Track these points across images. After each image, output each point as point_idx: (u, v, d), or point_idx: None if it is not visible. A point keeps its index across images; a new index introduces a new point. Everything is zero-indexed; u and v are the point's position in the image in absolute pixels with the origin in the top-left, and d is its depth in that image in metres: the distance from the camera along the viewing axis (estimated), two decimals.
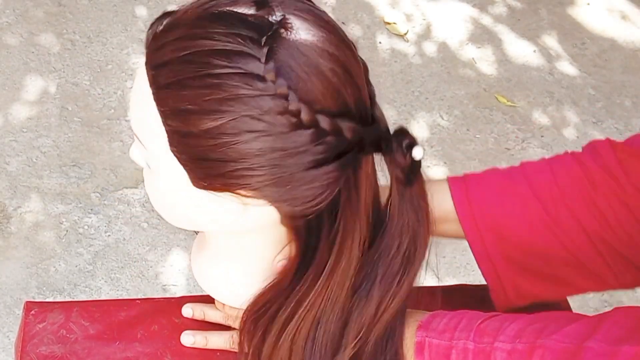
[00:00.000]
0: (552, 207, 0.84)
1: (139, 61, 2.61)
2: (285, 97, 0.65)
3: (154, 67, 0.69)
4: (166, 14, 0.72)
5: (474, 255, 0.88)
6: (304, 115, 0.65)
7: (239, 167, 0.68)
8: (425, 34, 2.85)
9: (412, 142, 0.70)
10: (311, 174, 0.68)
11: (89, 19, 2.74)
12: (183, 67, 0.67)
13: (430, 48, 2.80)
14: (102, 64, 2.59)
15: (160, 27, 0.71)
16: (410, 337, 0.79)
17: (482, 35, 2.88)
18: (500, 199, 0.85)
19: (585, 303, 2.09)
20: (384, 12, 2.90)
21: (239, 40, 0.66)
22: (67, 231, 2.12)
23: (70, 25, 2.71)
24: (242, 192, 0.70)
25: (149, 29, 0.72)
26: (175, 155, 0.71)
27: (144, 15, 2.78)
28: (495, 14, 2.98)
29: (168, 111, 0.68)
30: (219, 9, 0.68)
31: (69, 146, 2.32)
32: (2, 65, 2.54)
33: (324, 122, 0.66)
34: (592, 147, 0.87)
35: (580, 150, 0.89)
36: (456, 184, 0.88)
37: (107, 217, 2.15)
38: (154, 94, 0.69)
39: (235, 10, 0.68)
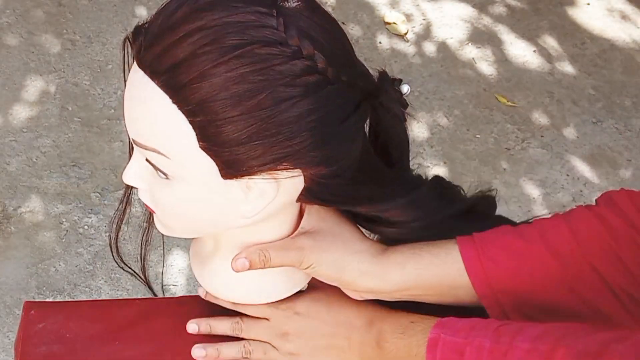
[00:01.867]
0: (572, 265, 0.79)
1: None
2: (312, 58, 0.67)
3: (163, 72, 0.67)
4: (142, 26, 0.70)
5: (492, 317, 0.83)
6: (329, 72, 0.68)
7: (281, 138, 0.68)
8: (425, 34, 2.85)
9: (399, 79, 0.75)
10: (343, 127, 0.71)
11: (89, 19, 2.74)
12: (202, 59, 0.66)
13: (430, 48, 2.80)
14: (102, 64, 2.59)
15: (149, 35, 0.68)
16: (422, 335, 0.77)
17: (482, 35, 2.88)
18: (514, 261, 0.81)
19: None
20: (384, 12, 2.90)
21: (249, 15, 0.66)
22: (67, 231, 2.12)
23: (70, 25, 2.71)
24: (281, 166, 0.70)
25: (134, 42, 0.70)
26: (206, 150, 0.69)
27: (144, 15, 2.78)
28: (495, 14, 2.98)
29: (194, 107, 0.67)
30: None
31: (69, 146, 2.32)
32: (2, 65, 2.55)
33: (344, 75, 0.70)
34: (608, 198, 0.82)
35: (586, 199, 0.86)
36: (466, 246, 0.82)
37: (107, 217, 2.15)
38: (172, 96, 0.67)
39: None
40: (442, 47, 2.81)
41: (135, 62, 0.70)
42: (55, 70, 2.55)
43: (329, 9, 2.88)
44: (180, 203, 0.75)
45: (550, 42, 2.89)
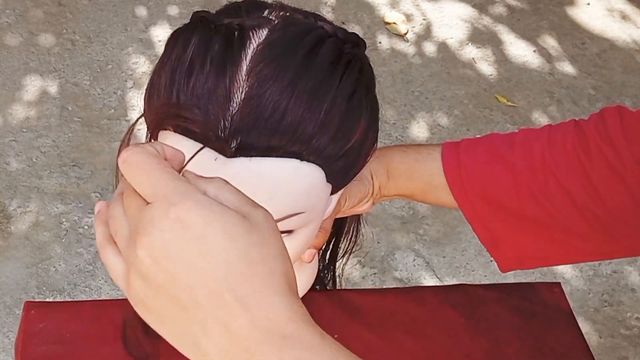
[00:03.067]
0: (540, 176, 0.81)
1: (139, 61, 2.62)
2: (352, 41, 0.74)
3: (288, 140, 0.61)
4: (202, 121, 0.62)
5: (467, 219, 0.86)
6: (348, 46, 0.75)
7: (368, 143, 0.69)
8: (425, 34, 2.85)
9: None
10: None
11: (89, 19, 2.74)
12: (302, 104, 0.61)
13: (430, 48, 2.80)
14: (102, 64, 2.59)
15: (241, 118, 0.61)
16: None
17: (482, 35, 2.88)
18: (490, 165, 0.84)
19: (585, 303, 2.09)
20: (384, 12, 2.90)
21: (326, 47, 0.67)
22: (67, 231, 2.12)
23: (70, 25, 2.71)
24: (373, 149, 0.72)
25: (210, 141, 0.61)
26: (334, 184, 0.67)
27: (144, 15, 2.78)
28: (495, 14, 2.98)
29: (321, 152, 0.64)
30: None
31: (69, 146, 2.32)
32: (2, 65, 2.55)
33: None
34: (600, 114, 0.84)
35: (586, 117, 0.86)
36: (449, 148, 0.87)
37: None
38: (301, 155, 0.62)
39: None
40: (442, 47, 2.81)
41: (225, 156, 0.61)
42: (55, 70, 2.55)
43: (329, 9, 2.88)
44: (299, 250, 0.71)
45: (550, 42, 2.89)
